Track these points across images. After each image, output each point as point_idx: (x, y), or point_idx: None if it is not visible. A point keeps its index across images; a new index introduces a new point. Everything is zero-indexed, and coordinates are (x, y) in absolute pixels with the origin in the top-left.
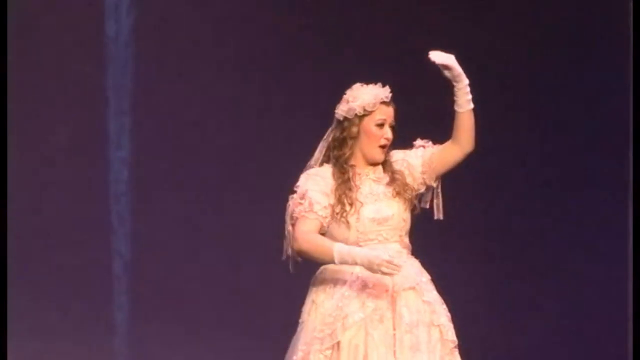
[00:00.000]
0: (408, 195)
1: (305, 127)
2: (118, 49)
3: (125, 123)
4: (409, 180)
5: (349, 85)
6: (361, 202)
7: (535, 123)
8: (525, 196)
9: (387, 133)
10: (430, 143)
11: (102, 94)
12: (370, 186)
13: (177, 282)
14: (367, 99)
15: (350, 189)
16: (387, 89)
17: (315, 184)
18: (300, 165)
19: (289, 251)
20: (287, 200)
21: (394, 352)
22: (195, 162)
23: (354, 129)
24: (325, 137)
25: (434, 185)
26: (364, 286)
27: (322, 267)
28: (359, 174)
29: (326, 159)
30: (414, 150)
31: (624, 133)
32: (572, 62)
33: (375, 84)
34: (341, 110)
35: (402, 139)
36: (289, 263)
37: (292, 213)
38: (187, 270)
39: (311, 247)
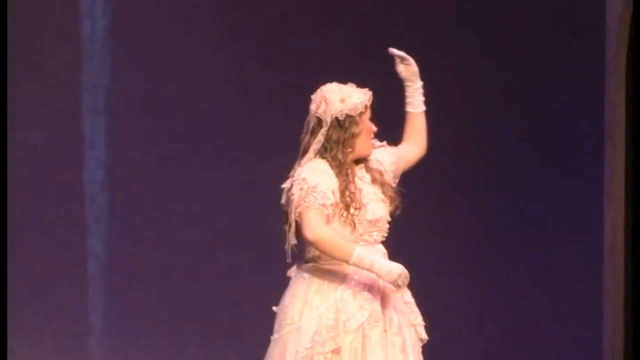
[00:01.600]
0: (392, 195)
1: (286, 129)
2: (93, 48)
3: (101, 123)
4: (386, 178)
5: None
6: (364, 204)
7: (507, 119)
8: (499, 191)
9: (374, 126)
10: (385, 143)
11: (78, 93)
12: (365, 187)
13: (152, 283)
14: (362, 96)
15: (354, 191)
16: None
17: (323, 180)
18: (279, 166)
19: (292, 240)
20: (269, 199)
21: (387, 354)
22: (171, 162)
23: (356, 128)
24: (311, 138)
25: (395, 184)
26: (361, 289)
27: (310, 268)
28: (354, 172)
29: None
30: (379, 150)
31: (599, 129)
32: (548, 57)
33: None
34: (340, 108)
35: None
36: (287, 252)
37: (302, 203)
38: (163, 271)
39: (332, 238)
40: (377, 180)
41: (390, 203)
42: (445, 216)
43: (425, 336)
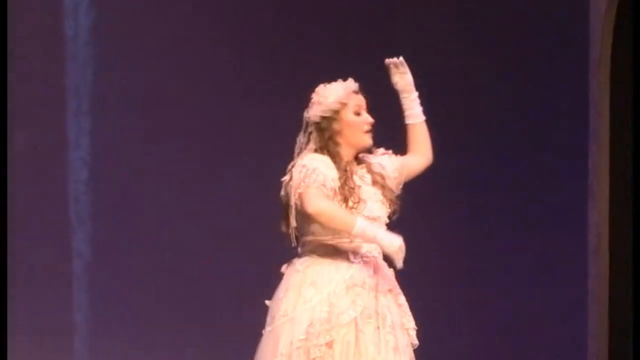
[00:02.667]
0: (392, 197)
1: (274, 128)
2: (77, 48)
3: (85, 123)
4: (388, 182)
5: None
6: (364, 201)
7: (488, 120)
8: (483, 194)
9: (368, 118)
10: (391, 152)
11: (61, 93)
12: (364, 186)
13: (137, 283)
14: (339, 93)
15: (352, 186)
16: (352, 80)
17: (323, 166)
18: (269, 164)
19: (293, 222)
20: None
21: (379, 352)
22: (156, 162)
23: (336, 125)
24: (303, 138)
25: (399, 192)
26: (354, 284)
27: (304, 262)
28: (354, 170)
29: None
30: (383, 156)
31: (582, 129)
32: (532, 57)
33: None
34: (316, 112)
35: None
36: (290, 236)
37: (301, 183)
38: (148, 271)
39: (333, 209)
40: (378, 182)
41: (390, 206)
42: (432, 218)
43: (416, 341)
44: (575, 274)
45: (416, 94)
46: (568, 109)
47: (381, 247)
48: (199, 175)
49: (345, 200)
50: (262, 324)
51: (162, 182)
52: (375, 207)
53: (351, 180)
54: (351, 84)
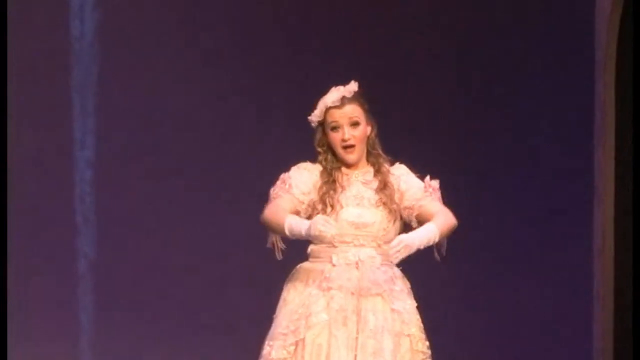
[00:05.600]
0: (393, 208)
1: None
2: (83, 48)
3: (90, 123)
4: (396, 196)
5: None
6: (341, 205)
7: (495, 121)
8: (489, 194)
9: (345, 134)
10: (436, 186)
11: (67, 94)
12: (358, 189)
13: (142, 283)
14: (318, 108)
15: (334, 190)
16: (339, 91)
17: (300, 174)
18: (271, 167)
19: (272, 237)
20: (261, 200)
21: (355, 355)
22: (161, 162)
23: (321, 136)
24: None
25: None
26: (333, 288)
27: (297, 266)
28: (347, 175)
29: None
30: (417, 185)
31: (588, 131)
32: (537, 59)
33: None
34: (312, 118)
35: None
36: (274, 250)
37: (272, 192)
38: (153, 271)
39: (270, 216)
40: (386, 191)
41: (390, 212)
42: None
43: (420, 348)
44: (580, 275)
45: (433, 241)
46: (574, 110)
47: (311, 239)
48: (204, 175)
49: (324, 204)
50: (268, 325)
51: (167, 182)
52: (365, 212)
53: (334, 185)
54: (329, 99)
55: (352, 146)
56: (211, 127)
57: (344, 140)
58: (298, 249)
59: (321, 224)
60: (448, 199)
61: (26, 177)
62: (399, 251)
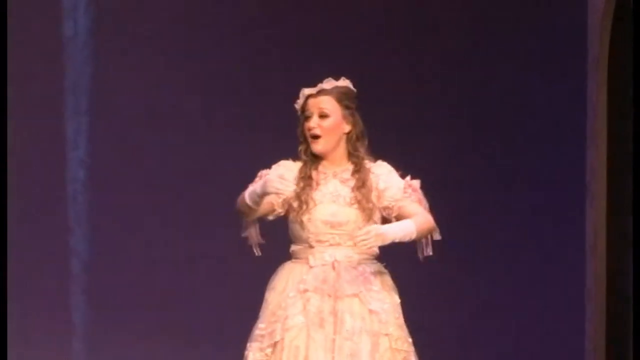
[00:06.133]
0: (368, 207)
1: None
2: (75, 49)
3: (83, 123)
4: (373, 195)
5: None
6: (315, 202)
7: (488, 120)
8: (480, 193)
9: (312, 122)
10: (417, 186)
11: (60, 94)
12: (335, 186)
13: (134, 282)
14: (300, 96)
15: (310, 186)
16: (324, 83)
17: (276, 170)
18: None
19: (248, 230)
20: None
21: (333, 357)
22: (152, 162)
23: (300, 127)
24: None
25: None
26: (310, 289)
27: (280, 266)
28: (324, 173)
29: None
30: (397, 185)
31: (580, 129)
32: (530, 57)
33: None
34: (296, 105)
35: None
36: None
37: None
38: (145, 270)
39: (239, 200)
40: (363, 189)
41: (363, 211)
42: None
43: (400, 346)
44: (572, 273)
45: (411, 237)
46: (566, 109)
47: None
48: (198, 175)
49: (300, 201)
50: None
51: (159, 182)
52: (339, 211)
53: (310, 180)
54: (309, 90)
55: (317, 136)
56: (205, 127)
57: (309, 129)
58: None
59: (277, 182)
60: (440, 198)
61: (18, 177)
62: (365, 240)
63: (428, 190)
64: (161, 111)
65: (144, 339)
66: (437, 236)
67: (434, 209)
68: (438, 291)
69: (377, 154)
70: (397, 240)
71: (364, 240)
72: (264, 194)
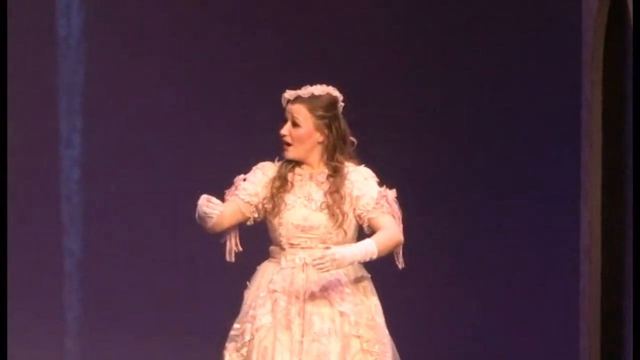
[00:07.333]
0: (338, 212)
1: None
2: (69, 48)
3: (77, 122)
4: (347, 202)
5: None
6: (286, 205)
7: (482, 120)
8: (476, 193)
9: (284, 130)
10: (391, 197)
11: (54, 93)
12: (310, 189)
13: (128, 282)
14: (283, 100)
15: (284, 188)
16: (309, 88)
17: (254, 175)
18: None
19: (228, 237)
20: None
21: (300, 359)
22: (147, 161)
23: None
24: None
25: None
26: (278, 291)
27: (258, 266)
28: (301, 175)
29: None
30: (371, 194)
31: (575, 129)
32: (524, 58)
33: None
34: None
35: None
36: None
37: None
38: (139, 270)
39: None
40: (335, 195)
41: (332, 216)
42: (423, 217)
43: (370, 348)
44: (567, 274)
45: (359, 258)
46: (560, 109)
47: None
48: (192, 175)
49: (273, 203)
50: None
51: (154, 181)
52: (310, 215)
53: (284, 181)
54: (289, 95)
55: (287, 143)
56: (199, 126)
57: (282, 135)
58: None
59: (205, 205)
60: (434, 198)
61: (12, 175)
62: (321, 265)
63: (424, 188)
64: (156, 110)
65: (137, 338)
66: (400, 264)
67: (427, 209)
68: (432, 292)
69: (371, 156)
70: (356, 262)
71: (319, 265)
72: (198, 218)
